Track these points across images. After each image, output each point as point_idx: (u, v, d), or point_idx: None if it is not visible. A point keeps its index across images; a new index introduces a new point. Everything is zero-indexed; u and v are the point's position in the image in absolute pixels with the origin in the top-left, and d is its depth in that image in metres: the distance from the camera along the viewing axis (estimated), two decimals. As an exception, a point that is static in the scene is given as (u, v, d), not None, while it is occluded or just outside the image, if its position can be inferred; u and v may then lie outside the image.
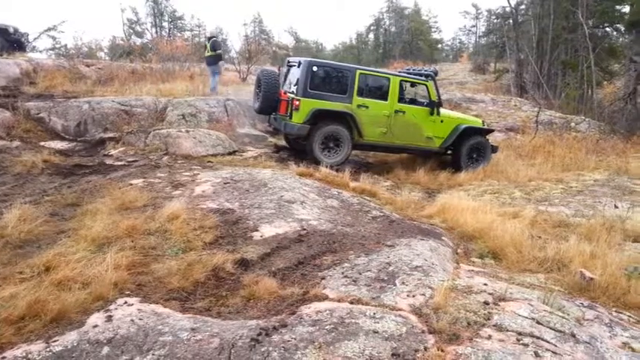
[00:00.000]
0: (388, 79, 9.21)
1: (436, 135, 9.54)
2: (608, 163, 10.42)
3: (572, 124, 14.70)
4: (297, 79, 8.72)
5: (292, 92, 8.77)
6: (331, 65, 9.33)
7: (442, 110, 9.71)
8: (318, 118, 8.61)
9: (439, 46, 48.72)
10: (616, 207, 6.90)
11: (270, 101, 8.98)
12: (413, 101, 9.89)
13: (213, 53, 12.26)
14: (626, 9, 19.53)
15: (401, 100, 9.34)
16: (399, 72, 10.32)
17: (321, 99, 8.64)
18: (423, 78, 9.54)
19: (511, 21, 24.95)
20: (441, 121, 9.55)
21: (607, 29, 21.87)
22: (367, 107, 8.92)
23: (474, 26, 49.55)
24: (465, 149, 9.72)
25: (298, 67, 8.81)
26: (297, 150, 9.48)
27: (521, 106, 16.97)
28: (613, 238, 5.43)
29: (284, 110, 8.80)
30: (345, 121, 8.83)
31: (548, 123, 14.55)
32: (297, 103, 8.51)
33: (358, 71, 8.98)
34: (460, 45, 53.84)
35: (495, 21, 36.48)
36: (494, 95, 18.98)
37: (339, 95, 8.78)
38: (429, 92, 9.46)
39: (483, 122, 10.64)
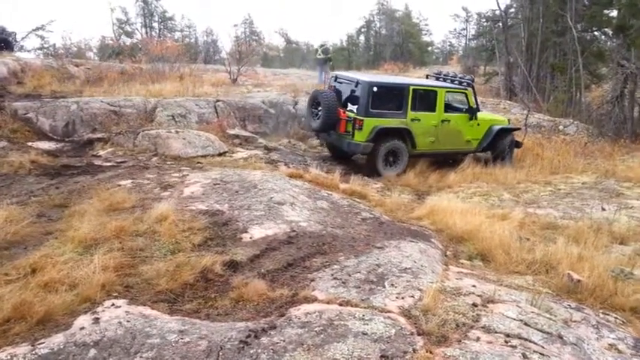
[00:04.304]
0: (436, 91, 9.60)
1: (474, 138, 10.24)
2: (596, 166, 10.50)
3: (561, 127, 14.81)
4: (352, 97, 9.09)
5: (351, 111, 9.02)
6: (388, 83, 9.72)
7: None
8: (380, 134, 8.90)
9: (429, 48, 48.83)
10: (603, 209, 6.97)
11: (330, 120, 9.21)
12: (448, 106, 10.20)
13: (324, 57, 16.12)
14: (614, 13, 19.71)
15: (445, 109, 9.83)
16: (428, 76, 11.22)
17: (381, 117, 8.98)
18: (460, 86, 10.18)
19: (501, 24, 25.01)
20: (478, 125, 10.16)
21: (595, 33, 21.97)
22: (419, 120, 9.39)
23: (464, 29, 49.64)
24: (507, 146, 10.52)
25: (356, 86, 9.06)
26: (340, 158, 10.03)
27: (510, 109, 17.03)
28: (600, 240, 5.49)
29: (343, 129, 9.11)
30: (401, 136, 9.22)
31: (537, 126, 14.64)
32: (361, 122, 8.80)
33: (411, 87, 9.36)
34: (450, 48, 53.89)
35: (485, 24, 36.58)
36: (484, 98, 19.00)
37: (396, 112, 9.17)
38: (468, 99, 9.99)
39: (509, 121, 11.33)
